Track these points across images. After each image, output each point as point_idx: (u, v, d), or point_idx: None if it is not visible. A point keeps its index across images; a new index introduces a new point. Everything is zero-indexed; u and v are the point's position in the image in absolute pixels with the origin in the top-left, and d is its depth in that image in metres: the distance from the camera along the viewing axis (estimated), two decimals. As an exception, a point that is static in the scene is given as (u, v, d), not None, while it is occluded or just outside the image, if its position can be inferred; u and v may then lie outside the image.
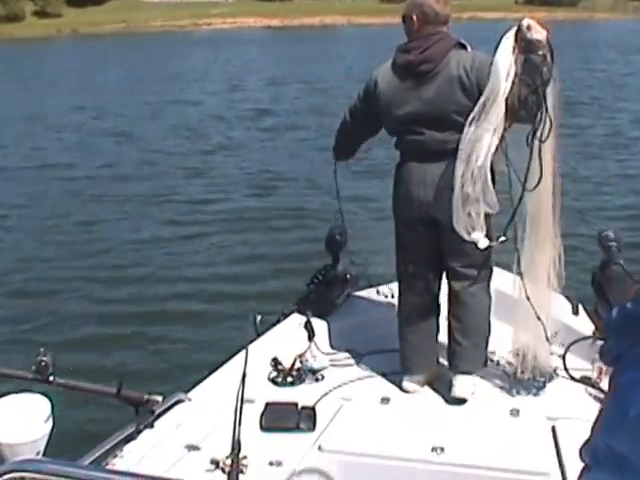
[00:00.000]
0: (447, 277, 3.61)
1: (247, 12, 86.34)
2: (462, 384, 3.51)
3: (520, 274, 3.38)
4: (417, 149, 3.43)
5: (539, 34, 3.10)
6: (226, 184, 11.82)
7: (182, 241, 8.98)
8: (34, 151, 14.99)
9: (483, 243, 3.28)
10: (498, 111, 3.12)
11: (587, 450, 1.79)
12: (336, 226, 4.34)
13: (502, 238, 3.33)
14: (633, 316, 1.73)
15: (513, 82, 3.10)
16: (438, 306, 3.66)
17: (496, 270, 3.69)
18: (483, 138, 3.16)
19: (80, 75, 31.03)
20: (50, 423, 2.51)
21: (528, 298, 3.34)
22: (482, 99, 3.15)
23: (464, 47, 3.40)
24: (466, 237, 3.28)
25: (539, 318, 3.36)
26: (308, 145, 14.47)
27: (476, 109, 3.16)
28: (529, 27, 3.09)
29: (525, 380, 3.50)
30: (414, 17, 3.41)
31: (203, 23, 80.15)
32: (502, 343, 3.65)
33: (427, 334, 3.65)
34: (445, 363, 3.65)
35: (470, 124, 3.17)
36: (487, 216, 3.30)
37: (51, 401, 2.55)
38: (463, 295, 3.53)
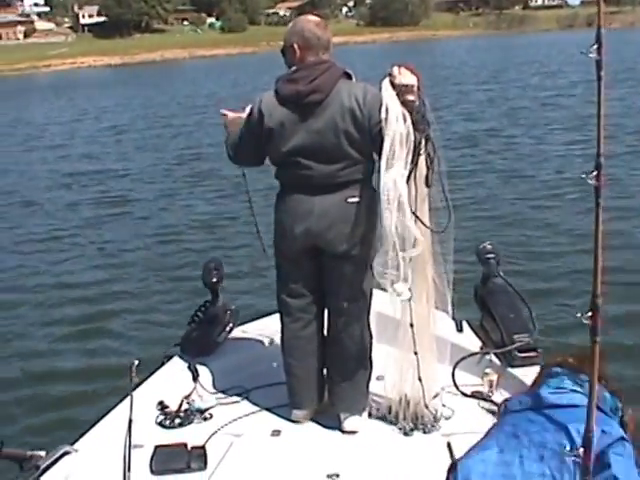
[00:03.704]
0: (328, 313, 3.55)
1: (86, 51, 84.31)
2: (349, 420, 3.49)
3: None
4: (304, 181, 3.30)
5: (411, 79, 3.10)
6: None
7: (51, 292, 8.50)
8: None
9: (406, 295, 3.17)
10: (407, 154, 3.06)
11: None
12: (211, 260, 4.27)
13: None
14: None
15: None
16: (323, 338, 3.58)
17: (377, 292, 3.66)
18: (400, 182, 3.07)
19: None
20: None
21: (412, 325, 3.31)
22: (387, 143, 3.06)
23: (350, 77, 3.31)
24: (390, 289, 3.17)
25: (414, 338, 3.31)
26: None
27: (385, 153, 3.06)
28: (399, 73, 3.10)
29: (416, 402, 3.45)
30: (295, 45, 3.28)
31: (42, 65, 77.27)
32: (390, 367, 3.59)
33: (312, 367, 3.57)
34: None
35: (386, 169, 3.06)
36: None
37: None
38: (343, 334, 3.47)
